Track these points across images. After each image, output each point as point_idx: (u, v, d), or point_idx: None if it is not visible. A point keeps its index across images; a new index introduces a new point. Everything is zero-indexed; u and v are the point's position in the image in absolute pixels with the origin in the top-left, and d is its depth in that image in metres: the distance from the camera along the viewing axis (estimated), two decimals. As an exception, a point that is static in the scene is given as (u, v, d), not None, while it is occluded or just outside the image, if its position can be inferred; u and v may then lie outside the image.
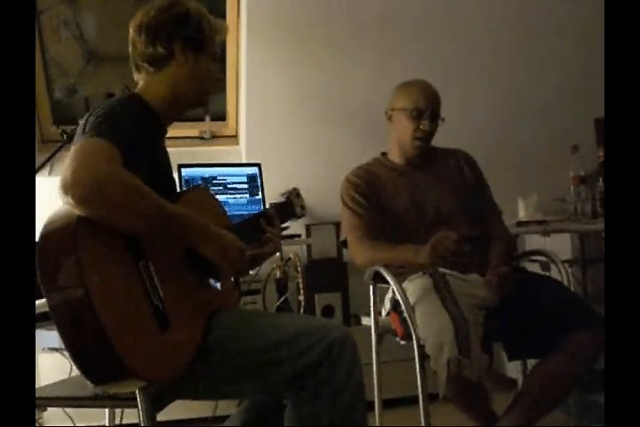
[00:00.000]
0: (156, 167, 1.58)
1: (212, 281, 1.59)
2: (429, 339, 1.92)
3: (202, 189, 1.89)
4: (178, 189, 1.77)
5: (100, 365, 1.30)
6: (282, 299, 3.04)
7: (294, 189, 1.98)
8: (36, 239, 1.33)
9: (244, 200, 3.15)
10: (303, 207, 1.98)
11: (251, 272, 2.46)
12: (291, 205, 1.94)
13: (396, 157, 2.37)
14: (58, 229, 1.34)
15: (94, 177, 1.31)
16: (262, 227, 1.77)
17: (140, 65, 1.66)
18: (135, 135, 1.48)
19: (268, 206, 3.07)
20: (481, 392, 2.02)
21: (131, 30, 1.67)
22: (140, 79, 1.69)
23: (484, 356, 1.90)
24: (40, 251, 1.32)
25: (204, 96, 1.72)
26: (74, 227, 1.32)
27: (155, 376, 1.36)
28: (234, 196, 3.13)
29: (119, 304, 1.33)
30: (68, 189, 1.31)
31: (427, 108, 2.25)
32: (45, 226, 1.35)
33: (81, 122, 1.52)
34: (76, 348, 1.31)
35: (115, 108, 1.53)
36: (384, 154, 2.41)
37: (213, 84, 1.75)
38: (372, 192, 2.29)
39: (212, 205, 1.73)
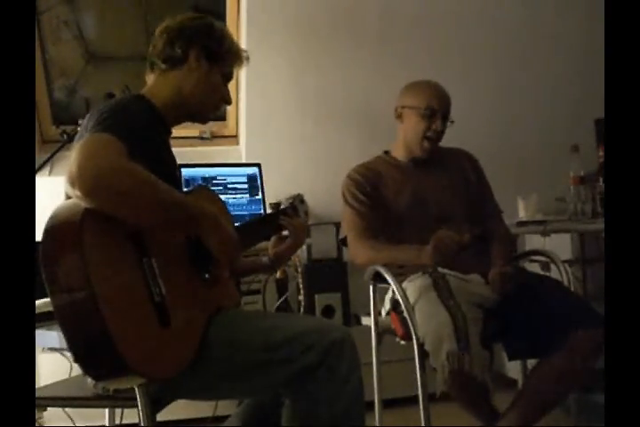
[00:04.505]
0: (162, 165, 1.58)
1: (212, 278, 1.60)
2: (428, 335, 1.92)
3: (205, 189, 1.90)
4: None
5: (101, 361, 1.30)
6: (282, 299, 3.04)
7: (298, 195, 2.00)
8: (37, 238, 1.32)
9: (244, 200, 3.15)
10: (306, 213, 2.00)
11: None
12: (295, 211, 1.95)
13: (400, 155, 2.35)
14: (63, 224, 1.34)
15: (100, 168, 1.32)
16: (283, 222, 1.81)
17: (155, 62, 1.70)
18: (139, 131, 1.49)
19: (268, 207, 3.10)
20: (483, 390, 2.02)
21: (156, 33, 1.72)
22: (149, 79, 1.72)
23: (484, 352, 1.90)
24: (44, 245, 1.32)
25: (205, 109, 1.74)
26: (79, 222, 1.32)
27: (155, 373, 1.36)
28: (234, 196, 3.13)
29: (122, 301, 1.33)
30: (74, 181, 1.31)
31: (439, 107, 2.24)
32: (50, 219, 1.35)
33: (84, 120, 1.53)
34: (77, 344, 1.31)
35: (119, 106, 1.55)
36: (386, 152, 2.41)
37: (218, 102, 1.76)
38: (373, 190, 2.28)
39: (216, 205, 1.74)
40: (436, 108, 2.23)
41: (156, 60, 1.69)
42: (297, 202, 1.97)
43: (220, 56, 1.72)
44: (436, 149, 2.30)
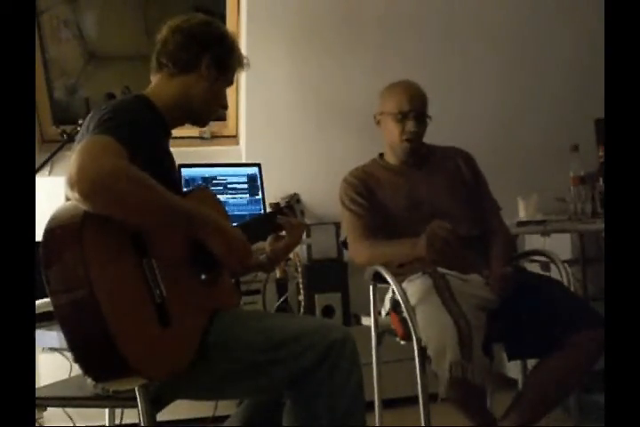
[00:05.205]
0: (161, 167, 1.59)
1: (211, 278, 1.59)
2: (431, 342, 1.91)
3: (204, 190, 1.90)
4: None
5: (103, 363, 1.30)
6: (282, 299, 3.05)
7: (295, 195, 2.01)
8: (37, 238, 1.32)
9: (244, 200, 3.15)
10: (302, 213, 2.01)
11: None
12: (292, 211, 1.96)
13: (390, 158, 2.38)
14: (64, 225, 1.34)
15: (99, 171, 1.32)
16: (280, 221, 1.82)
17: (164, 63, 1.70)
18: (140, 134, 1.49)
19: (268, 207, 3.10)
20: (481, 395, 2.02)
21: (164, 31, 1.72)
22: (155, 78, 1.73)
23: (484, 359, 1.89)
24: (45, 245, 1.32)
25: (205, 115, 1.77)
26: (80, 223, 1.32)
27: (156, 374, 1.36)
28: (234, 196, 3.13)
29: (122, 302, 1.33)
30: (73, 184, 1.31)
31: (410, 109, 2.26)
32: (51, 220, 1.35)
33: (85, 121, 1.53)
34: (78, 345, 1.31)
35: (120, 107, 1.55)
36: (381, 155, 2.42)
37: (218, 109, 1.79)
38: (369, 192, 2.30)
39: (215, 206, 1.74)
40: (407, 110, 2.26)
41: (166, 61, 1.70)
42: (293, 201, 1.98)
43: (229, 65, 1.74)
44: (418, 148, 2.32)
